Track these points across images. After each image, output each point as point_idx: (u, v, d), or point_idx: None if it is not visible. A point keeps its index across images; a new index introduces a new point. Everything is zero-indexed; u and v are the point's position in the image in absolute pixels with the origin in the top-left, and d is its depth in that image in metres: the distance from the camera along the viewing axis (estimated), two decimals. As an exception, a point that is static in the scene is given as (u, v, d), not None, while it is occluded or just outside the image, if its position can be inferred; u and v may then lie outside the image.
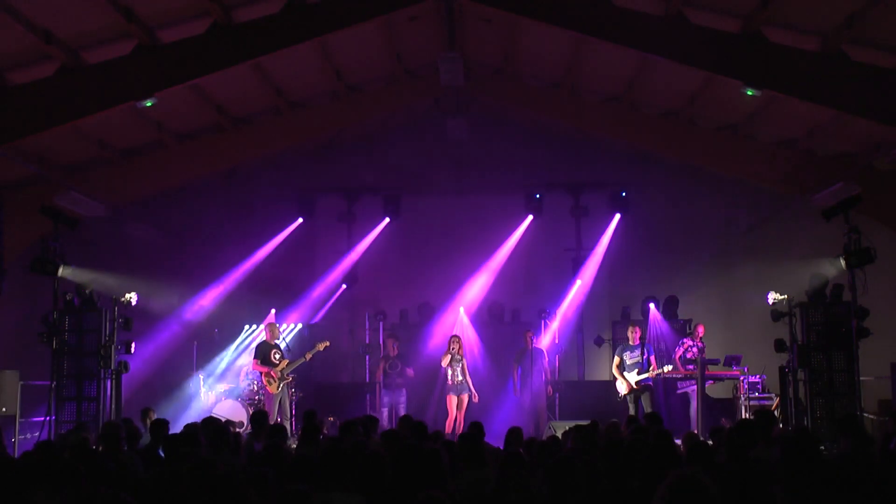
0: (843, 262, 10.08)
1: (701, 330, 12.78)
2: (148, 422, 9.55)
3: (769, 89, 11.02)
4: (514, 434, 7.31)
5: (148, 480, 4.38)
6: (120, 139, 13.27)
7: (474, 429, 7.44)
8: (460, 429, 11.42)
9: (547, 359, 13.46)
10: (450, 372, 12.31)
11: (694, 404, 12.49)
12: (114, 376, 10.96)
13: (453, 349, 12.32)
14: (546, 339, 14.45)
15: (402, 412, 13.00)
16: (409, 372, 13.26)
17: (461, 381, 12.28)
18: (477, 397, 12.53)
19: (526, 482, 4.39)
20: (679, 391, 12.86)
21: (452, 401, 12.27)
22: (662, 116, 13.95)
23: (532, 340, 13.13)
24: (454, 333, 13.15)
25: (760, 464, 5.29)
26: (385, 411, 13.12)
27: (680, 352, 12.70)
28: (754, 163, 13.85)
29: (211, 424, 7.46)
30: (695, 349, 12.53)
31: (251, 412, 12.64)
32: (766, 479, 4.29)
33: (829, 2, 9.70)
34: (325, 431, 10.49)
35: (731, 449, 5.27)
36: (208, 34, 10.72)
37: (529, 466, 5.28)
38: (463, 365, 12.40)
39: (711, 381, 12.82)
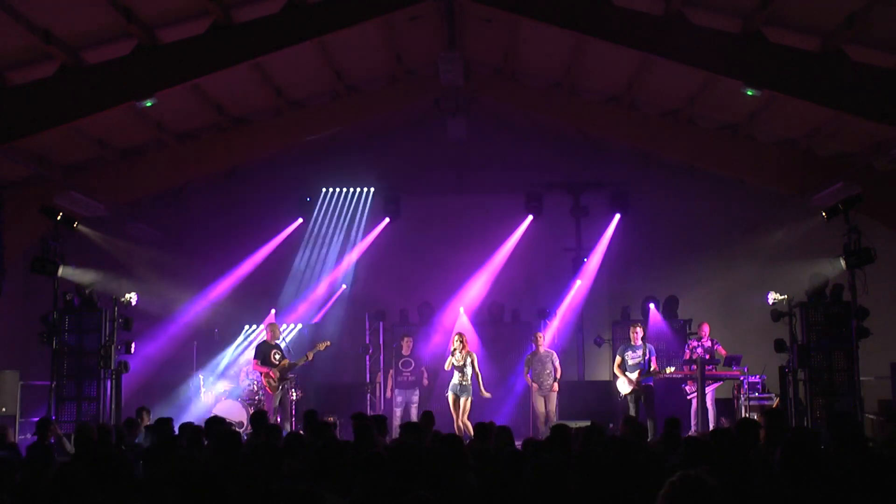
0: (843, 262, 10.08)
1: (706, 329, 12.74)
2: (143, 421, 9.56)
3: (769, 89, 11.02)
4: (505, 434, 7.23)
5: (145, 480, 4.39)
6: (120, 139, 13.27)
7: (474, 431, 7.41)
8: (467, 432, 11.02)
9: (557, 360, 13.26)
10: (455, 372, 11.75)
11: (695, 405, 12.49)
12: (114, 376, 10.97)
13: (456, 348, 11.79)
14: (546, 339, 14.43)
15: (415, 411, 12.89)
16: (422, 368, 13.21)
17: (467, 383, 11.70)
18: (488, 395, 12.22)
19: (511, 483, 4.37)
20: (689, 397, 12.79)
21: (452, 400, 11.73)
22: (662, 116, 13.94)
23: (542, 341, 13.10)
24: (457, 331, 12.76)
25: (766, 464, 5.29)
26: (398, 411, 13.05)
27: (687, 354, 12.67)
28: (754, 163, 13.84)
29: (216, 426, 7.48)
30: (700, 349, 12.50)
31: (251, 412, 12.67)
32: (766, 479, 4.29)
33: (829, 2, 9.70)
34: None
35: (729, 449, 5.28)
36: (208, 34, 10.71)
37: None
38: (471, 362, 11.80)
39: (719, 383, 12.74)
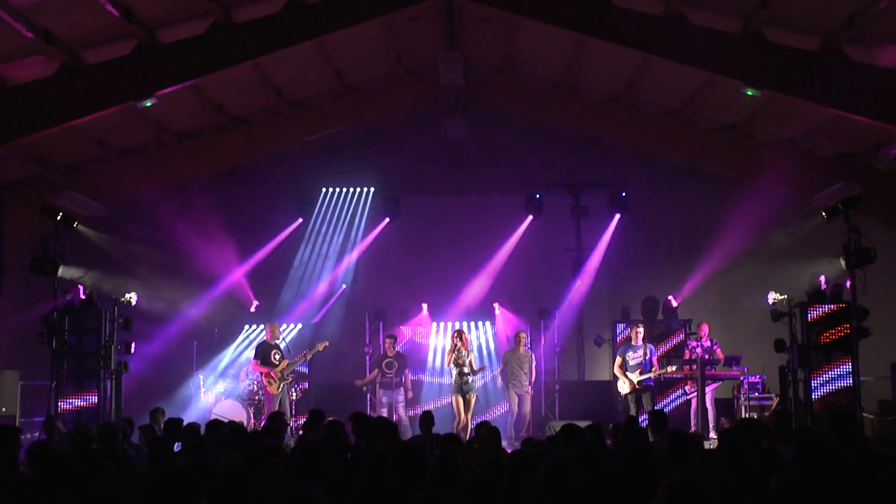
0: (843, 262, 10.08)
1: (705, 329, 12.74)
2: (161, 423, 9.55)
3: (769, 89, 11.03)
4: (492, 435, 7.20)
5: (150, 477, 4.38)
6: (120, 139, 13.27)
7: (475, 430, 7.40)
8: (469, 432, 11.04)
9: (534, 362, 13.17)
10: (454, 371, 11.80)
11: (695, 405, 12.51)
12: (114, 376, 10.97)
13: (457, 345, 11.82)
14: (545, 340, 14.43)
15: (401, 411, 12.94)
16: (406, 375, 13.17)
17: (470, 381, 11.78)
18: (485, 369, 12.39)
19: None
20: (688, 397, 12.82)
21: (459, 402, 11.74)
22: (662, 116, 13.95)
23: (524, 342, 13.04)
24: (457, 328, 12.72)
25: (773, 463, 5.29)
26: (384, 411, 13.07)
27: (687, 355, 12.69)
28: (754, 163, 13.84)
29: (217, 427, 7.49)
30: (699, 349, 12.51)
31: (250, 411, 12.68)
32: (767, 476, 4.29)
33: (829, 2, 9.70)
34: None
35: (731, 448, 5.29)
36: (208, 34, 10.72)
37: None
38: (471, 360, 11.87)
39: (717, 383, 12.75)
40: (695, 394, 12.59)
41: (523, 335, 13.06)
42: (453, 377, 11.88)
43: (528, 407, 12.76)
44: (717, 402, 12.96)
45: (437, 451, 4.99)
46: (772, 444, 6.17)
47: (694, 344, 12.70)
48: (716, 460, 5.09)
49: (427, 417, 8.82)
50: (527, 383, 12.74)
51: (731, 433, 5.47)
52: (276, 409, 11.76)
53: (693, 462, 4.75)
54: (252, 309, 12.22)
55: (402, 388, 13.04)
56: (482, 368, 12.44)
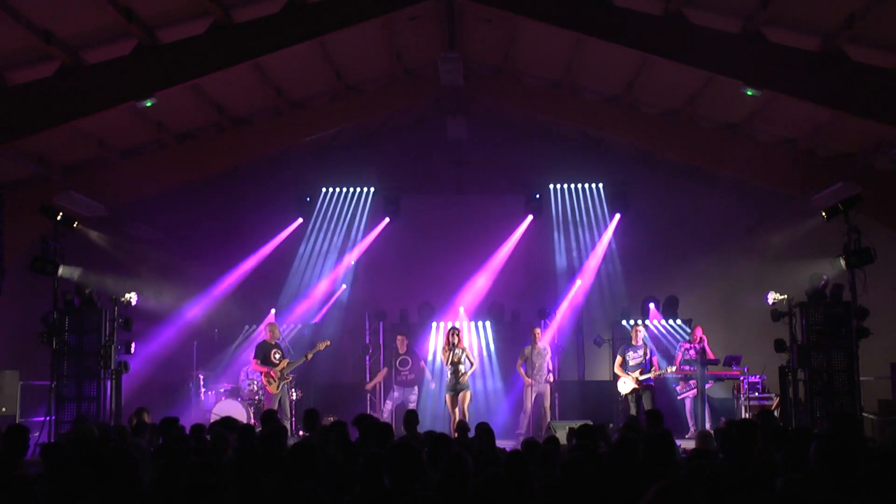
0: (843, 262, 10.07)
1: (698, 331, 12.76)
2: (135, 421, 9.54)
3: (769, 89, 11.03)
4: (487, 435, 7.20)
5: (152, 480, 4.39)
6: (120, 139, 13.27)
7: (478, 430, 7.39)
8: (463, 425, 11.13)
9: (548, 357, 13.24)
10: (449, 369, 11.86)
11: (689, 405, 12.51)
12: (114, 376, 10.96)
13: (453, 342, 11.88)
14: (546, 339, 14.43)
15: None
16: (422, 364, 13.21)
17: (464, 380, 11.81)
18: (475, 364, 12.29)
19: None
20: (680, 397, 12.84)
21: (450, 400, 11.85)
22: (662, 116, 13.94)
23: (539, 338, 13.06)
24: (452, 325, 12.72)
25: (763, 462, 5.29)
26: (389, 404, 13.07)
27: (679, 356, 12.70)
28: (754, 163, 13.84)
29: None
30: (692, 351, 12.52)
31: (253, 412, 12.66)
32: (766, 477, 4.29)
33: (829, 2, 9.70)
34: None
35: (729, 448, 5.29)
36: (208, 34, 10.72)
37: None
38: (466, 356, 11.88)
39: (709, 383, 12.78)
40: (686, 394, 12.61)
41: (538, 330, 13.05)
42: (449, 377, 11.92)
43: (548, 402, 12.78)
44: (718, 403, 12.96)
45: (426, 450, 4.99)
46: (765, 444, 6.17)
47: (687, 346, 12.71)
48: (710, 460, 5.10)
49: (411, 416, 8.80)
50: (540, 379, 12.72)
51: (729, 433, 5.48)
52: (276, 409, 11.74)
53: (676, 462, 4.76)
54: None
55: (416, 387, 13.01)
56: (472, 369, 12.15)
